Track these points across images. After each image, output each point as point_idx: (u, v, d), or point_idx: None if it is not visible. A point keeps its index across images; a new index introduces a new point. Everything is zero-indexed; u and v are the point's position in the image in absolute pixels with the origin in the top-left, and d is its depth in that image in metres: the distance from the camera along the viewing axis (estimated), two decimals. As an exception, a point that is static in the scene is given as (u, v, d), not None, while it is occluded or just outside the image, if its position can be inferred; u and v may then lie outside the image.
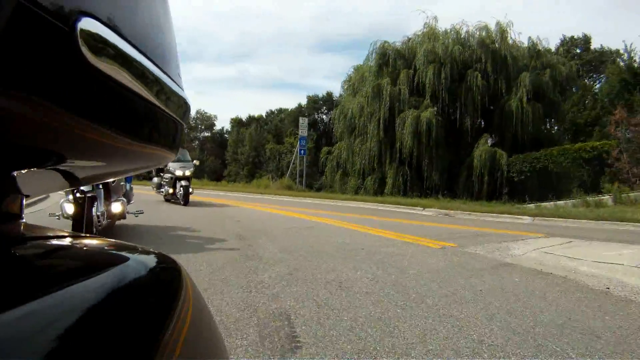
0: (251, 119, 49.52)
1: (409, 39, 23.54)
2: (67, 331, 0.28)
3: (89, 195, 5.05)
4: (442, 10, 78.73)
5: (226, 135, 52.54)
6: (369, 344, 2.51)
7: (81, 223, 4.90)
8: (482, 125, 22.52)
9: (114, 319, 0.35)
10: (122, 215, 6.16)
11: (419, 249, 5.93)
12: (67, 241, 0.57)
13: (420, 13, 32.63)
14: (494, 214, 12.87)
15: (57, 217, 5.54)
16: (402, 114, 20.94)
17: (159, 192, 13.93)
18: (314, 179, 30.10)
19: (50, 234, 0.57)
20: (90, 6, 0.33)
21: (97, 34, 0.33)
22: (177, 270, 0.53)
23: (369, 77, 23.26)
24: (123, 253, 0.54)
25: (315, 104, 44.22)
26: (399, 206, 15.32)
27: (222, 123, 52.81)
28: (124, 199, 6.23)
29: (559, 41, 36.72)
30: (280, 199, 19.10)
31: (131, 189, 7.51)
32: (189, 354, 0.42)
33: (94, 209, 5.15)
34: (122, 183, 6.58)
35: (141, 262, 0.51)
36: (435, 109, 20.68)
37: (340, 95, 29.45)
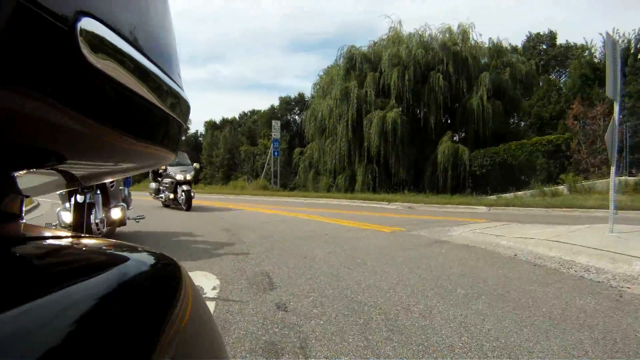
0: (225, 121, 49.95)
1: (375, 43, 24.76)
2: (66, 331, 0.28)
3: (87, 202, 4.96)
4: (410, 10, 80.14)
5: (200, 139, 52.88)
6: (322, 286, 3.68)
7: (80, 231, 4.58)
8: (446, 123, 23.85)
9: (114, 319, 0.35)
10: (122, 222, 6.00)
11: (372, 233, 7.05)
12: (66, 241, 0.58)
13: (386, 18, 33.70)
14: (453, 205, 14.06)
15: (54, 227, 5.10)
16: (369, 115, 22.14)
17: (158, 197, 13.47)
18: (288, 179, 31.01)
19: (50, 234, 0.58)
20: (90, 6, 0.34)
21: (97, 34, 0.33)
22: (176, 270, 0.53)
23: (337, 80, 24.37)
24: (123, 253, 0.54)
25: (288, 104, 45.02)
26: (366, 201, 16.45)
27: (196, 126, 53.05)
28: (123, 204, 6.09)
29: (525, 38, 38.15)
30: (257, 198, 20.06)
31: (129, 194, 7.08)
32: (188, 352, 0.42)
33: (92, 216, 5.00)
34: (121, 188, 6.30)
35: (141, 262, 0.51)
36: (400, 109, 21.92)
37: (312, 97, 30.41)
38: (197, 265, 4.52)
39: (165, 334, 0.37)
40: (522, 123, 28.93)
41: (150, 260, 0.54)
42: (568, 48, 34.82)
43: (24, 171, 0.43)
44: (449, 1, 74.66)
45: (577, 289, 3.62)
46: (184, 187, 11.95)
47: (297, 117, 44.40)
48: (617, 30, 27.63)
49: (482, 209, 13.12)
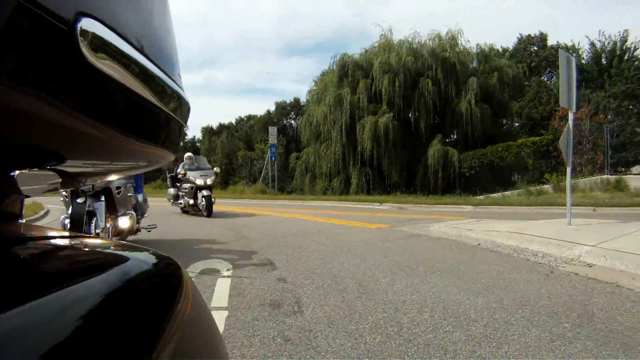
0: (222, 127, 50.48)
1: (367, 51, 25.72)
2: (67, 331, 0.28)
3: (87, 209, 4.65)
4: (402, 12, 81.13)
5: (198, 144, 53.52)
6: (313, 267, 4.64)
7: None
8: (436, 127, 24.69)
9: (114, 318, 0.35)
10: (132, 231, 5.75)
11: (360, 230, 8.00)
12: (67, 241, 0.59)
13: (377, 26, 34.66)
14: (442, 205, 14.95)
15: None
16: (362, 120, 23.09)
17: (176, 203, 12.92)
18: (285, 183, 31.84)
19: (50, 234, 0.58)
20: (90, 6, 0.34)
21: (97, 34, 0.34)
22: (176, 270, 0.54)
23: (331, 87, 25.32)
24: (123, 253, 0.54)
25: (284, 109, 45.80)
26: (360, 203, 17.35)
27: (193, 131, 53.64)
28: (132, 212, 5.76)
29: (517, 40, 38.83)
30: (256, 202, 20.91)
31: (145, 200, 6.85)
32: (188, 353, 0.42)
33: (92, 226, 4.67)
34: (130, 194, 5.82)
35: (141, 262, 0.51)
36: (392, 114, 22.82)
37: (307, 103, 31.28)
38: (212, 254, 5.46)
39: (166, 334, 0.37)
40: (515, 124, 29.88)
41: (151, 260, 0.54)
42: (558, 49, 35.11)
43: (24, 171, 0.43)
44: (441, 3, 75.56)
45: (518, 267, 4.54)
46: (204, 192, 11.49)
47: (293, 121, 45.13)
48: (603, 32, 28.86)
49: (469, 208, 13.98)
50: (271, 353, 2.36)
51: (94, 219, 4.71)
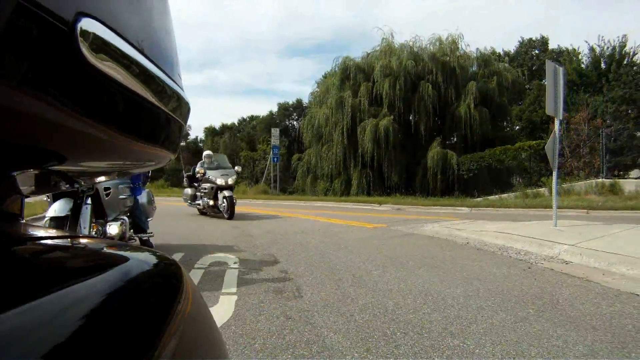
0: (224, 127, 50.70)
1: (368, 54, 26.12)
2: (67, 331, 0.28)
3: (68, 213, 3.93)
4: (404, 16, 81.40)
5: (200, 144, 53.70)
6: (312, 261, 5.10)
7: None
8: (436, 130, 25.07)
9: (114, 319, 0.35)
10: (123, 239, 4.79)
11: (358, 229, 8.47)
12: (67, 241, 0.59)
13: (378, 30, 35.03)
14: (439, 207, 15.34)
15: None
16: (363, 123, 23.50)
17: (194, 204, 12.22)
18: (287, 184, 32.23)
19: (50, 234, 0.59)
20: (90, 6, 0.34)
21: (97, 35, 0.34)
22: (176, 270, 0.53)
23: (333, 89, 25.74)
24: (123, 253, 0.55)
25: (286, 110, 46.07)
26: (360, 203, 17.77)
27: (196, 132, 53.90)
28: (124, 218, 5.00)
29: (518, 43, 39.20)
30: (258, 202, 21.34)
31: (151, 201, 6.21)
32: (188, 353, 0.42)
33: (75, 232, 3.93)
34: (123, 197, 5.10)
35: (141, 262, 0.51)
36: (392, 117, 23.21)
37: (309, 105, 31.65)
38: (220, 250, 5.90)
39: (166, 334, 0.37)
40: (515, 127, 30.25)
41: (151, 260, 0.54)
42: (559, 53, 35.41)
43: (24, 171, 0.43)
44: (441, 4, 75.89)
45: (500, 263, 4.97)
46: (226, 193, 10.74)
47: (295, 122, 45.33)
48: (603, 37, 29.20)
49: (465, 209, 14.39)
50: (275, 327, 2.81)
51: (77, 226, 3.90)
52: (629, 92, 24.39)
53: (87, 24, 0.33)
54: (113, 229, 4.62)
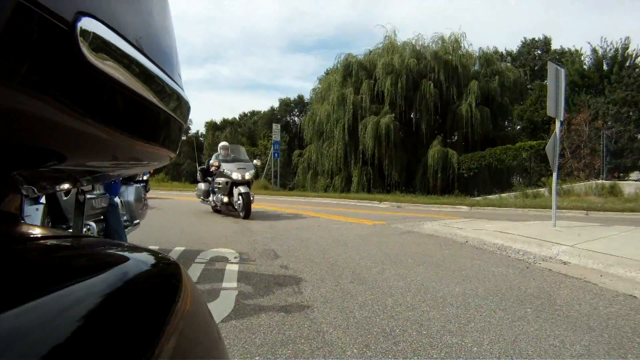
0: (226, 122, 50.78)
1: (371, 52, 26.14)
2: (66, 331, 0.28)
3: None
4: (408, 14, 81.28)
5: (201, 139, 53.74)
6: (312, 256, 5.13)
7: None
8: (437, 128, 25.13)
9: (114, 319, 0.35)
10: None
11: (358, 226, 8.50)
12: (67, 241, 0.59)
13: (381, 27, 34.87)
14: (438, 205, 15.35)
15: None
16: (364, 120, 23.53)
17: (207, 201, 11.26)
18: (287, 179, 32.33)
19: (50, 234, 0.58)
20: (90, 6, 0.34)
21: (97, 34, 0.34)
22: (176, 270, 0.53)
23: (335, 86, 25.72)
24: (122, 253, 0.55)
25: (287, 106, 46.16)
26: (360, 201, 17.80)
27: (197, 126, 53.89)
28: (92, 224, 3.93)
29: (521, 43, 39.25)
30: (258, 197, 21.28)
31: (139, 199, 4.98)
32: (188, 353, 0.42)
33: None
34: (92, 197, 3.80)
35: (141, 262, 0.51)
36: (394, 115, 23.23)
37: (311, 99, 31.62)
38: (220, 244, 5.92)
39: (165, 334, 0.37)
40: (516, 127, 30.28)
41: (151, 260, 0.53)
42: (562, 54, 35.67)
43: (24, 171, 0.43)
44: (443, 2, 75.72)
45: (498, 263, 5.00)
46: (241, 189, 9.65)
47: (296, 118, 45.43)
48: (605, 39, 29.20)
49: (464, 208, 14.40)
50: (275, 322, 2.83)
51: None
52: (631, 94, 24.40)
53: (87, 24, 0.33)
54: None
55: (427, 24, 77.20)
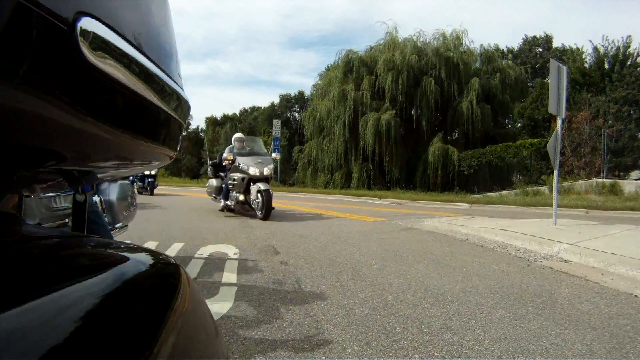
0: (226, 117, 50.89)
1: (372, 48, 26.16)
2: (66, 330, 0.28)
3: None
4: (409, 9, 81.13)
5: (201, 134, 53.77)
6: (312, 253, 5.10)
7: None
8: (437, 125, 25.18)
9: (113, 318, 0.35)
10: None
11: (358, 222, 8.49)
12: (66, 241, 0.58)
13: (382, 23, 34.87)
14: (438, 202, 15.39)
15: None
16: (365, 116, 23.54)
17: (219, 198, 10.01)
18: (287, 175, 32.35)
19: (50, 234, 0.58)
20: (90, 6, 0.34)
21: (97, 34, 0.34)
22: (176, 270, 0.53)
23: (335, 82, 25.74)
24: (122, 253, 0.54)
25: (288, 102, 46.17)
26: (360, 197, 17.81)
27: (197, 122, 53.87)
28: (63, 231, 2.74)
29: (522, 41, 39.28)
30: (257, 193, 21.42)
31: (125, 197, 3.76)
32: (187, 352, 0.42)
33: None
34: (52, 195, 2.77)
35: (140, 262, 0.51)
36: (394, 111, 23.25)
37: (311, 97, 31.64)
38: (219, 240, 5.91)
39: (165, 334, 0.37)
40: (517, 125, 30.27)
41: (150, 260, 0.54)
42: (563, 51, 35.55)
43: (25, 171, 0.43)
44: (449, 1, 75.62)
45: (499, 260, 4.98)
46: (261, 186, 8.58)
47: (297, 114, 45.49)
48: (607, 37, 29.12)
49: (464, 205, 14.41)
50: (275, 319, 2.82)
51: None
52: (632, 92, 24.33)
53: (87, 24, 0.33)
54: None
55: (428, 21, 77.44)
